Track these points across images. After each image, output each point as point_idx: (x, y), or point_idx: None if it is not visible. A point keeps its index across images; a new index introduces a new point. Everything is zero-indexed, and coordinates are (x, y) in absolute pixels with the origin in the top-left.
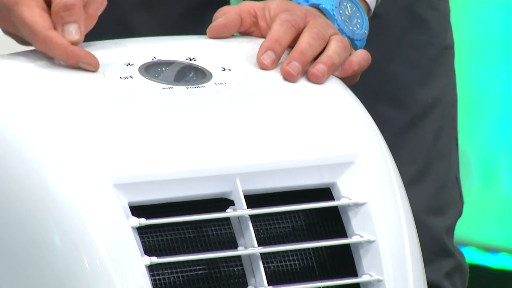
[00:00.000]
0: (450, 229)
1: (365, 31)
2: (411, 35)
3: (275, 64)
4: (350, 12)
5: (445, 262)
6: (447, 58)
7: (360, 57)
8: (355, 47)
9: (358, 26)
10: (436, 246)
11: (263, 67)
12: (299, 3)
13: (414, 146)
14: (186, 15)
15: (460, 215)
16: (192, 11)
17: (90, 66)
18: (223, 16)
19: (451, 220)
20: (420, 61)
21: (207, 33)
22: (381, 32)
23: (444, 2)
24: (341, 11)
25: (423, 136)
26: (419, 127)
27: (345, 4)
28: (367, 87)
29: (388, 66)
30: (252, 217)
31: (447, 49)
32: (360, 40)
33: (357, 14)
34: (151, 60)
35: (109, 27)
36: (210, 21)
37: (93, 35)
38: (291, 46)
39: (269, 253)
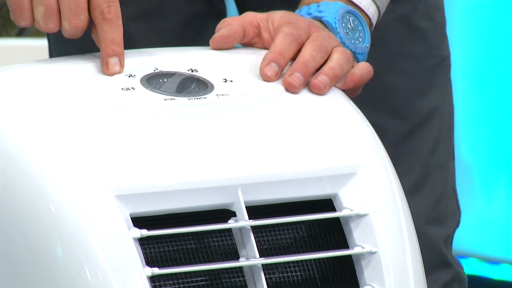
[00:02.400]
0: (449, 240)
1: (367, 45)
2: (408, 46)
3: (278, 76)
4: (352, 25)
5: (443, 273)
6: (444, 68)
7: (363, 69)
8: (357, 60)
9: (360, 39)
10: (434, 257)
11: (266, 78)
12: (301, 16)
13: (411, 156)
14: (185, 26)
15: (458, 225)
16: (191, 22)
17: (115, 66)
18: (226, 27)
19: (449, 230)
20: (418, 71)
21: (210, 44)
22: (378, 43)
23: (440, 13)
24: (343, 24)
25: (421, 146)
26: (416, 137)
27: (347, 17)
28: (365, 98)
29: (386, 76)
30: (254, 228)
31: (444, 60)
32: (362, 53)
33: (359, 28)
34: (153, 71)
35: None
36: (209, 32)
37: (93, 46)
38: (294, 58)
39: (270, 264)
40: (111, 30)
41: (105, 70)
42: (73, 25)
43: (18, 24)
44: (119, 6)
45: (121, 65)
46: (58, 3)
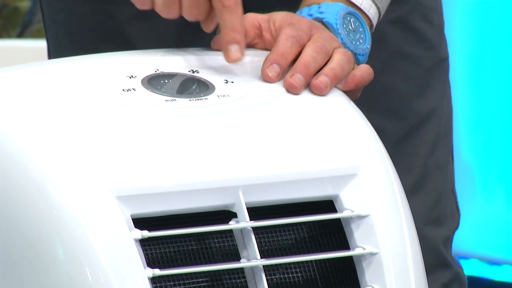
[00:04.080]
0: (448, 240)
1: (368, 46)
2: (406, 47)
3: (279, 77)
4: (353, 26)
5: (442, 273)
6: (443, 70)
7: (364, 71)
8: (357, 61)
9: (361, 41)
10: (434, 257)
11: (267, 79)
12: (303, 17)
13: (410, 157)
14: (183, 26)
15: (457, 226)
16: (189, 23)
17: (235, 52)
18: None
19: (449, 231)
20: (416, 72)
21: (211, 45)
22: (377, 44)
23: (438, 15)
24: (344, 25)
25: (420, 147)
26: (415, 138)
27: (348, 18)
28: (363, 99)
29: (384, 77)
30: (255, 229)
31: (442, 61)
32: (362, 55)
33: (360, 29)
34: (154, 72)
35: (105, 39)
36: (207, 33)
37: (89, 47)
38: (295, 60)
39: (272, 265)
40: (231, 17)
41: (226, 57)
42: (194, 16)
43: (138, 6)
44: None
45: (242, 52)
46: None
